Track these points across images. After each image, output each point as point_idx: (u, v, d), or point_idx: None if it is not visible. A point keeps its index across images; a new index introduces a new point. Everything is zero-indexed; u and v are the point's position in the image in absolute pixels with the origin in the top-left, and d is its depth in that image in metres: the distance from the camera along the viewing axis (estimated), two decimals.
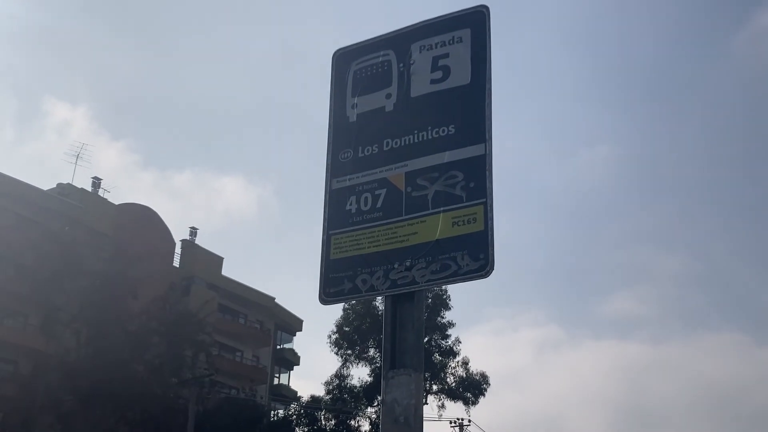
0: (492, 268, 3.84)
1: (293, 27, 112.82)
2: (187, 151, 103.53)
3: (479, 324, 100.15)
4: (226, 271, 57.83)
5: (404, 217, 4.12)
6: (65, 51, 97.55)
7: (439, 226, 4.02)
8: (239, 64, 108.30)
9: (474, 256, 3.88)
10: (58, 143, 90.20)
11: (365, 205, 4.26)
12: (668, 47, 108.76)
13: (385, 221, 4.17)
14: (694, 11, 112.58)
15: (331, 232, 4.31)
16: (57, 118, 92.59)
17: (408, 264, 4.01)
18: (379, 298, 3.84)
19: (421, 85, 4.38)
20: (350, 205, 4.31)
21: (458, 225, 3.98)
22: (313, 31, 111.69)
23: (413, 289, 3.99)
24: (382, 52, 4.57)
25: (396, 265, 4.04)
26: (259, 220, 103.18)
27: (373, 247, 4.14)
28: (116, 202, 50.23)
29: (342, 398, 46.74)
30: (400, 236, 4.09)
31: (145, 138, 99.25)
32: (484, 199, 3.98)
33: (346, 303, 40.35)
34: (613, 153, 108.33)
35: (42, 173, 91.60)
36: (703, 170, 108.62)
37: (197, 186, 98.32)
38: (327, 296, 4.21)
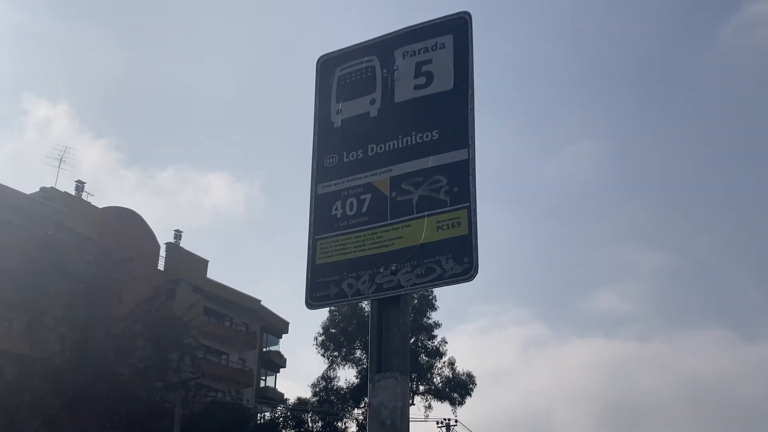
0: (476, 272, 3.90)
1: (279, 23, 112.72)
2: (172, 148, 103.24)
3: (465, 323, 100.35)
4: (212, 272, 57.82)
5: (389, 222, 4.17)
6: (44, 47, 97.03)
7: (423, 230, 4.06)
8: (223, 60, 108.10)
9: (458, 259, 3.93)
10: (39, 142, 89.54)
11: (350, 210, 4.30)
12: (652, 41, 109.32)
13: (370, 226, 4.21)
14: (679, 3, 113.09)
15: (316, 237, 4.35)
16: (37, 116, 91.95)
17: (393, 268, 4.06)
18: (365, 300, 3.90)
19: (404, 90, 4.43)
20: (336, 210, 4.34)
21: (442, 229, 4.03)
22: (299, 27, 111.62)
23: (399, 293, 4.04)
24: (366, 58, 4.61)
25: (381, 270, 4.08)
26: (245, 218, 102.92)
27: (359, 251, 4.18)
28: (100, 205, 50.14)
29: (329, 400, 46.77)
30: (385, 240, 4.14)
31: (129, 135, 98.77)
32: (468, 204, 4.03)
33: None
34: (597, 149, 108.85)
35: (23, 173, 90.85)
36: (686, 166, 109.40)
37: (182, 183, 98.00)
38: (313, 301, 4.25)
